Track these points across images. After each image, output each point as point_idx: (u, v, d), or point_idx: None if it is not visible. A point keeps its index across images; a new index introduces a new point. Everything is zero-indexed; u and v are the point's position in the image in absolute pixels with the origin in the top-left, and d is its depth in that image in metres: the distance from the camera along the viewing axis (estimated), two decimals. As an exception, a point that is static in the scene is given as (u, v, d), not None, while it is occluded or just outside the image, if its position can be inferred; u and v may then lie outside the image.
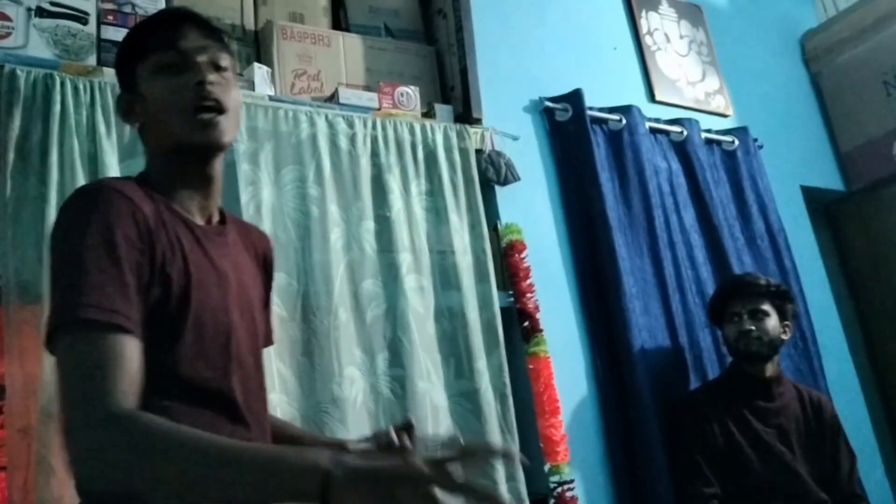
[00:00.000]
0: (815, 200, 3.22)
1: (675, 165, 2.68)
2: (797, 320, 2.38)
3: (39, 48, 1.67)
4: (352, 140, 2.00)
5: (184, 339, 0.97)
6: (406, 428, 1.13)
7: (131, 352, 0.87)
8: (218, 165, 1.10)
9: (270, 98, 1.92)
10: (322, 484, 0.76)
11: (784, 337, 2.21)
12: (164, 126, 1.05)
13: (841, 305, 3.03)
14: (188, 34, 1.07)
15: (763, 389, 2.18)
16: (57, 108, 1.60)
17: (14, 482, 1.39)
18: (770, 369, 2.19)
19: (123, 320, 0.88)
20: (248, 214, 1.74)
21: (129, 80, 1.09)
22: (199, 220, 1.08)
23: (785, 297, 2.24)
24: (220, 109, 1.04)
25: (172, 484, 0.82)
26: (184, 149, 1.05)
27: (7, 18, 1.65)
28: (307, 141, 1.92)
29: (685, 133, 2.74)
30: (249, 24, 2.12)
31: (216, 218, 1.13)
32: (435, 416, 1.84)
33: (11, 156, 1.54)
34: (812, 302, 2.77)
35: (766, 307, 2.19)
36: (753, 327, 2.16)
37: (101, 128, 1.63)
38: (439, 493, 0.77)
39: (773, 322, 2.18)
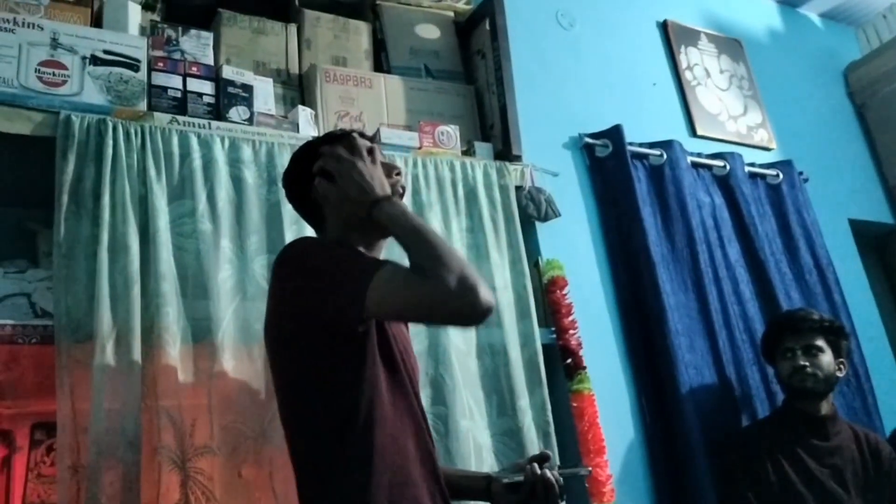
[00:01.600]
0: (864, 234, 3.15)
1: (719, 200, 2.65)
2: (850, 357, 2.32)
3: (93, 95, 1.73)
4: (393, 179, 2.02)
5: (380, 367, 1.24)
6: (541, 459, 1.39)
7: None
8: (388, 241, 1.41)
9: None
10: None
11: (839, 374, 2.15)
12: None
13: (893, 340, 2.94)
14: (372, 142, 1.42)
15: (817, 428, 2.12)
16: (109, 151, 1.64)
17: (64, 519, 1.40)
18: (825, 407, 2.13)
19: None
20: (292, 253, 1.76)
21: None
22: None
23: (839, 334, 2.18)
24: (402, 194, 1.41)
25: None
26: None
27: (63, 67, 1.72)
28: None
29: (728, 167, 2.71)
30: (294, 68, 2.18)
31: None
32: (478, 455, 1.82)
33: (65, 199, 1.58)
34: (864, 338, 2.69)
35: (821, 343, 2.14)
36: (808, 363, 2.10)
37: (152, 171, 1.68)
38: None
39: (827, 358, 2.13)
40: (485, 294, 1.12)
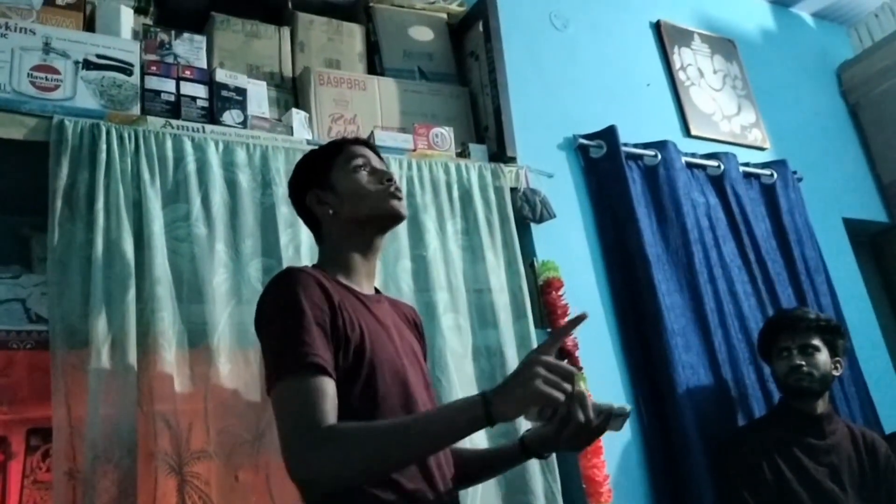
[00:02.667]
0: (858, 232, 3.16)
1: (713, 200, 2.66)
2: (846, 355, 2.32)
3: (86, 99, 1.73)
4: (388, 181, 2.02)
5: (361, 384, 1.23)
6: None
7: (333, 388, 1.17)
8: (384, 241, 1.46)
9: (308, 142, 1.96)
10: (484, 403, 1.09)
11: (835, 373, 2.16)
12: (360, 204, 1.38)
13: (888, 339, 2.95)
14: (371, 149, 1.48)
15: (814, 427, 2.12)
16: (103, 156, 1.64)
17: (60, 525, 1.39)
18: (821, 406, 2.13)
19: (327, 365, 1.17)
20: (287, 256, 1.76)
21: (322, 180, 1.42)
22: (365, 291, 1.39)
23: (836, 333, 2.19)
24: (401, 197, 1.42)
25: (376, 462, 1.11)
26: (375, 220, 1.40)
27: (56, 72, 1.71)
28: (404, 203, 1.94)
29: (722, 167, 2.72)
30: (287, 72, 2.17)
31: (372, 291, 1.43)
32: (475, 457, 1.82)
33: (59, 203, 1.58)
34: (858, 336, 2.70)
35: (817, 342, 2.14)
36: (804, 362, 2.11)
37: (146, 174, 1.67)
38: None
39: (823, 357, 2.13)
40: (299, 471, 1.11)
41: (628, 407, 1.30)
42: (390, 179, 1.42)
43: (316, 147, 1.56)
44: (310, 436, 1.10)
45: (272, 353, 1.21)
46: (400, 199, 1.42)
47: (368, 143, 1.51)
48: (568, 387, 1.11)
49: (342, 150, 1.45)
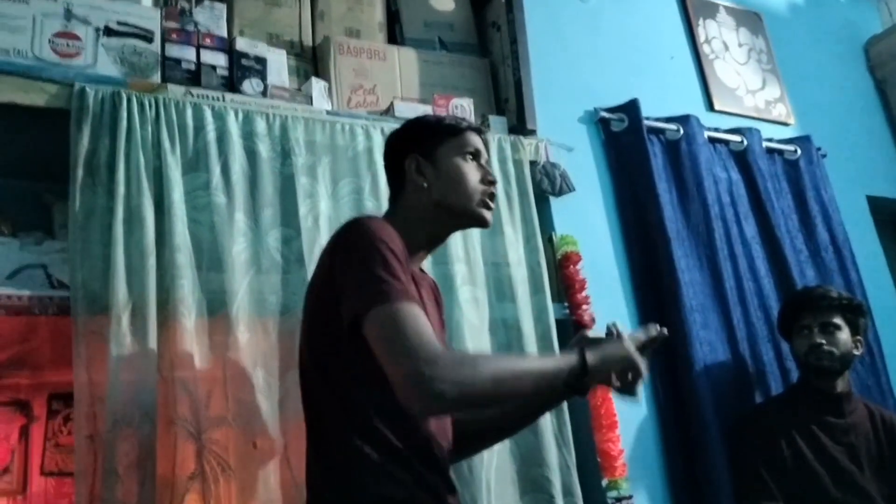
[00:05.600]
0: (882, 210, 3.11)
1: (736, 175, 2.63)
2: (866, 335, 2.30)
3: (107, 66, 1.73)
4: (407, 152, 2.01)
5: None
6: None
7: (426, 317, 1.16)
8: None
9: (328, 112, 1.95)
10: (579, 373, 1.21)
11: (856, 352, 2.14)
12: (456, 194, 1.37)
13: (911, 319, 2.92)
14: (485, 145, 1.45)
15: (833, 405, 2.11)
16: (124, 124, 1.64)
17: (81, 489, 1.41)
18: (841, 385, 2.12)
19: (417, 300, 1.16)
20: (306, 226, 1.76)
21: (428, 150, 1.40)
22: (415, 269, 1.38)
23: (857, 311, 2.16)
24: (492, 207, 1.41)
25: (502, 386, 1.14)
26: (462, 216, 1.39)
27: (77, 38, 1.71)
28: (363, 154, 1.94)
29: (745, 142, 2.68)
30: (307, 41, 2.16)
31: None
32: (491, 429, 1.83)
33: (80, 171, 1.58)
34: (879, 316, 2.67)
35: (838, 320, 2.12)
36: (824, 341, 2.09)
37: (166, 143, 1.67)
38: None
39: (844, 336, 2.11)
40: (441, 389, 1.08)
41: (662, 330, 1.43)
42: (493, 182, 1.41)
43: (428, 116, 1.54)
44: (441, 356, 1.08)
45: (371, 277, 1.15)
46: (491, 208, 1.40)
47: (485, 136, 1.47)
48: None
49: (460, 134, 1.41)
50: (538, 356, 1.29)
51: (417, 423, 1.24)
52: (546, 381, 1.20)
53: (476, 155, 1.41)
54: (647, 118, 2.46)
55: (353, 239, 1.22)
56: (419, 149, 1.40)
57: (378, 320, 1.12)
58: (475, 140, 1.42)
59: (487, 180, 1.40)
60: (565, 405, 1.95)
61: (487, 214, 1.39)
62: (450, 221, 1.41)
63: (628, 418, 2.09)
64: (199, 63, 1.85)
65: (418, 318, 1.12)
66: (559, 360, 1.24)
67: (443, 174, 1.38)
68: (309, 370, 1.30)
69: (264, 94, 1.89)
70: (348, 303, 1.17)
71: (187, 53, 1.84)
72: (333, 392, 1.24)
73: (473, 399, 1.14)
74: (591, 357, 1.23)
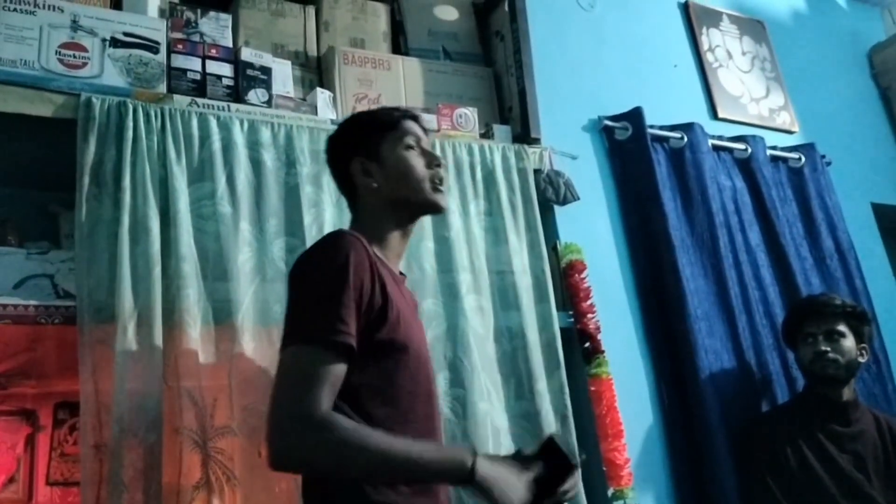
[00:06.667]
0: (887, 217, 3.10)
1: (740, 183, 2.63)
2: (871, 343, 2.29)
3: (113, 77, 1.74)
4: (412, 161, 2.02)
5: (396, 360, 1.24)
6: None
7: (343, 374, 1.15)
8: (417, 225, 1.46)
9: (332, 122, 1.95)
10: (467, 475, 1.13)
11: (861, 360, 2.13)
12: (406, 186, 1.37)
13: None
14: (422, 128, 1.45)
15: (839, 414, 2.10)
16: (130, 133, 1.65)
17: (87, 498, 1.41)
18: (847, 393, 2.11)
19: (351, 350, 1.15)
20: (311, 236, 1.77)
21: (370, 150, 1.39)
22: (394, 269, 1.37)
23: (862, 319, 2.16)
24: (444, 190, 1.41)
25: (356, 468, 1.12)
26: (417, 205, 1.39)
27: (84, 49, 1.72)
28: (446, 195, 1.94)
29: (749, 150, 2.68)
30: (312, 51, 2.17)
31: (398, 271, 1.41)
32: (496, 438, 1.82)
33: (87, 181, 1.59)
34: (885, 323, 2.66)
35: (843, 328, 2.12)
36: (829, 349, 2.08)
37: (172, 153, 1.68)
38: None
39: (849, 343, 2.11)
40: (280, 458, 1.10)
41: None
42: (439, 164, 1.41)
43: (361, 114, 1.53)
44: (306, 418, 1.09)
45: (303, 313, 1.18)
46: (442, 191, 1.40)
47: (419, 120, 1.47)
48: None
49: (396, 126, 1.41)
50: (432, 449, 1.20)
51: (412, 433, 1.23)
52: (426, 475, 1.17)
53: (417, 142, 1.41)
54: (651, 126, 2.46)
55: (316, 259, 1.23)
56: (361, 150, 1.40)
57: (284, 359, 1.15)
58: (413, 127, 1.42)
59: (433, 164, 1.40)
60: (570, 413, 1.95)
61: (441, 199, 1.40)
62: (408, 214, 1.41)
63: (634, 427, 2.08)
64: (204, 73, 1.85)
65: (318, 369, 1.12)
66: (446, 459, 1.17)
67: (390, 170, 1.38)
68: None
69: (269, 104, 1.90)
70: (284, 325, 1.20)
71: (193, 64, 1.85)
72: None
73: (316, 473, 1.18)
74: (481, 470, 1.15)
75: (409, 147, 1.40)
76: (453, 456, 1.17)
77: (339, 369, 1.14)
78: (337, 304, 1.15)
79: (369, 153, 1.40)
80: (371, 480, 1.17)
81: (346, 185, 1.45)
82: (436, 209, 1.42)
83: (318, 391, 1.10)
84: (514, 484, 1.18)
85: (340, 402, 1.16)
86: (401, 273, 1.45)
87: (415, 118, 1.45)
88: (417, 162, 1.39)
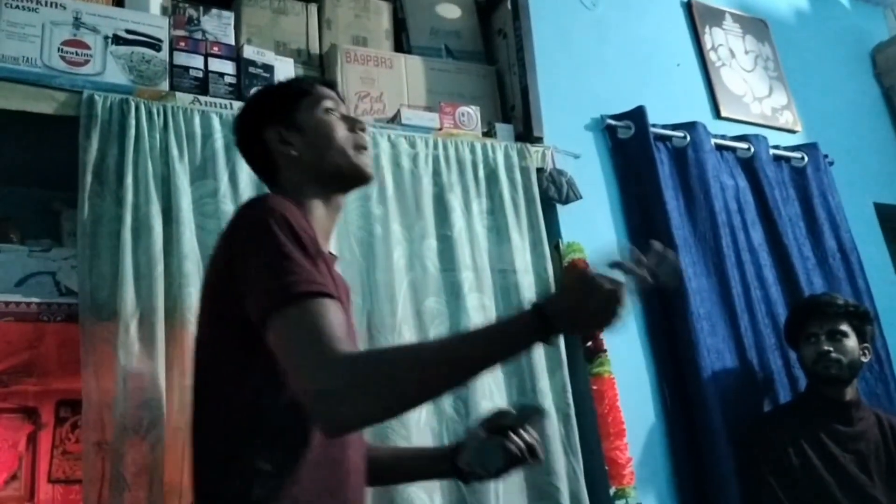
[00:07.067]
0: (890, 217, 3.09)
1: (743, 183, 2.62)
2: (873, 342, 2.29)
3: (116, 74, 1.73)
4: (414, 160, 2.02)
5: None
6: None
7: (338, 310, 1.01)
8: (346, 201, 1.34)
9: (335, 119, 1.95)
10: (541, 317, 0.98)
11: (863, 359, 2.13)
12: (329, 150, 1.26)
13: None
14: (338, 95, 1.35)
15: (842, 413, 2.10)
16: (132, 131, 1.65)
17: (89, 496, 1.42)
18: (849, 393, 2.11)
19: (333, 292, 1.02)
20: (313, 234, 1.76)
21: (286, 119, 1.28)
22: (325, 248, 1.22)
23: (864, 319, 2.16)
24: (367, 148, 1.30)
25: (419, 386, 0.97)
26: (343, 172, 1.26)
27: (86, 47, 1.72)
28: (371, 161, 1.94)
29: (752, 149, 2.68)
30: (314, 49, 2.17)
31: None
32: (498, 437, 1.82)
33: (89, 178, 1.59)
34: (887, 323, 2.66)
35: (845, 328, 2.11)
36: (832, 348, 2.08)
37: (174, 151, 1.68)
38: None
39: (851, 343, 2.10)
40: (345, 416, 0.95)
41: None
42: (363, 129, 1.31)
43: (270, 86, 1.44)
44: (339, 363, 0.94)
45: (268, 277, 1.01)
46: (365, 150, 1.29)
47: (335, 86, 1.37)
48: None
49: (311, 92, 1.31)
50: (480, 325, 1.09)
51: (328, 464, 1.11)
52: (496, 355, 1.02)
53: (336, 106, 1.31)
54: (654, 125, 2.46)
55: (255, 222, 1.07)
56: (276, 120, 1.28)
57: (280, 328, 0.99)
58: (328, 93, 1.32)
59: (356, 128, 1.30)
60: (572, 411, 1.94)
61: (365, 162, 1.28)
62: (334, 184, 1.27)
63: (636, 426, 2.08)
64: (206, 71, 1.85)
65: (324, 318, 0.98)
66: (502, 320, 1.06)
67: (309, 135, 1.26)
68: (206, 366, 1.17)
69: (272, 101, 1.89)
70: (253, 301, 1.03)
71: (195, 61, 1.85)
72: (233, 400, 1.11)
73: (396, 411, 1.02)
74: (551, 308, 1.00)
75: (329, 110, 1.29)
76: (508, 315, 1.04)
77: (340, 310, 1.02)
78: (298, 253, 1.02)
79: (286, 122, 1.28)
80: (446, 386, 1.01)
81: (261, 161, 1.32)
82: (363, 177, 1.29)
83: (335, 336, 0.96)
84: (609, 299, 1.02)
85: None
86: (331, 253, 1.30)
87: (330, 84, 1.36)
88: (339, 125, 1.28)
